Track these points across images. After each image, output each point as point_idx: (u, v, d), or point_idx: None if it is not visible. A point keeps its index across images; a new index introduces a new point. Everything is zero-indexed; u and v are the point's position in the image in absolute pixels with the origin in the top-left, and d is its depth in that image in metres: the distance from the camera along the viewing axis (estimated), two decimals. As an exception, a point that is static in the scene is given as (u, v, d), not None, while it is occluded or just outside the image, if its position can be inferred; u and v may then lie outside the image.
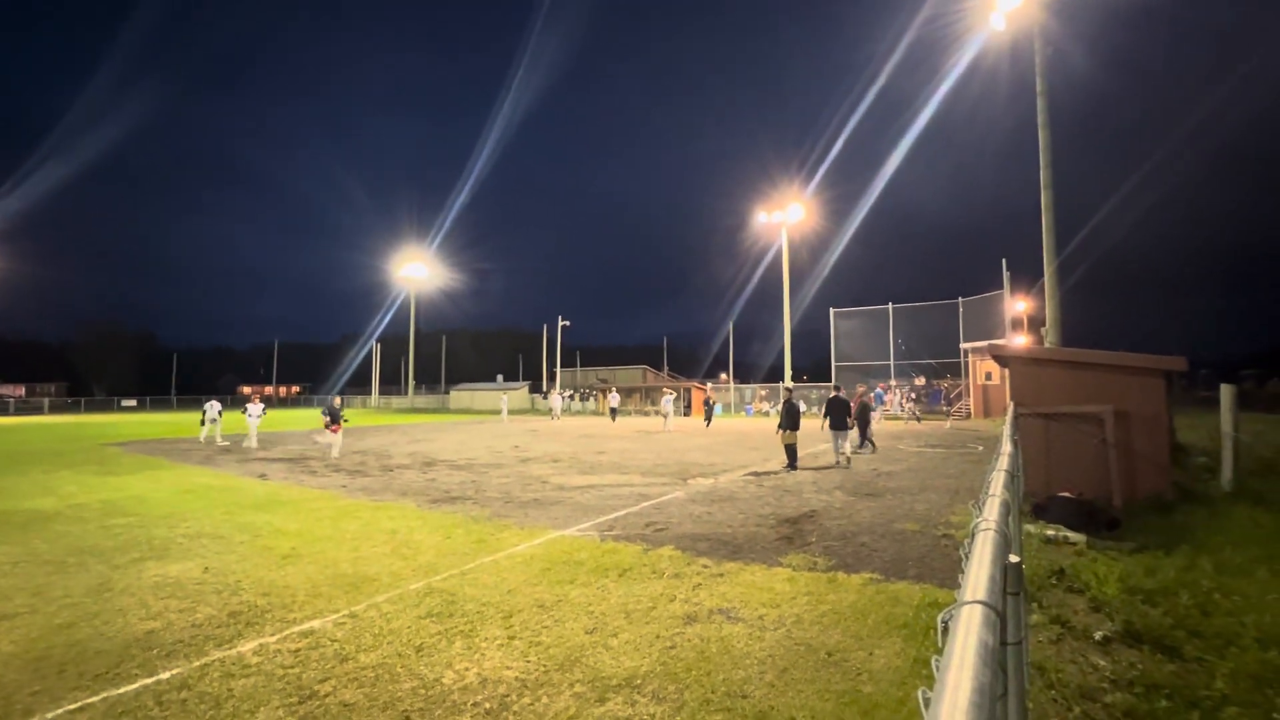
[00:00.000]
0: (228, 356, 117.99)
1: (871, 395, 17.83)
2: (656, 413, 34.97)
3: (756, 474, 11.55)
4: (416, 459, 14.76)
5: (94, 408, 60.31)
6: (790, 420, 12.42)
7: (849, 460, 12.99)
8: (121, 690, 3.43)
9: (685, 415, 36.24)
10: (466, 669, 3.64)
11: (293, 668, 3.67)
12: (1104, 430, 7.76)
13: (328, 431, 15.31)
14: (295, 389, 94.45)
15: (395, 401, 62.56)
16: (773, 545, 6.37)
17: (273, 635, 4.15)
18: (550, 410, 36.26)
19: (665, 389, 35.03)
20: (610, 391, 36.13)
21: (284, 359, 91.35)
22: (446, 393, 61.58)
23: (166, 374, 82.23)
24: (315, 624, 4.34)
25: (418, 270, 57.14)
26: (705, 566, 5.63)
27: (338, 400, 17.23)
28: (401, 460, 14.52)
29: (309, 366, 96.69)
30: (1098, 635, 3.95)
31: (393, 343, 76.41)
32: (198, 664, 3.73)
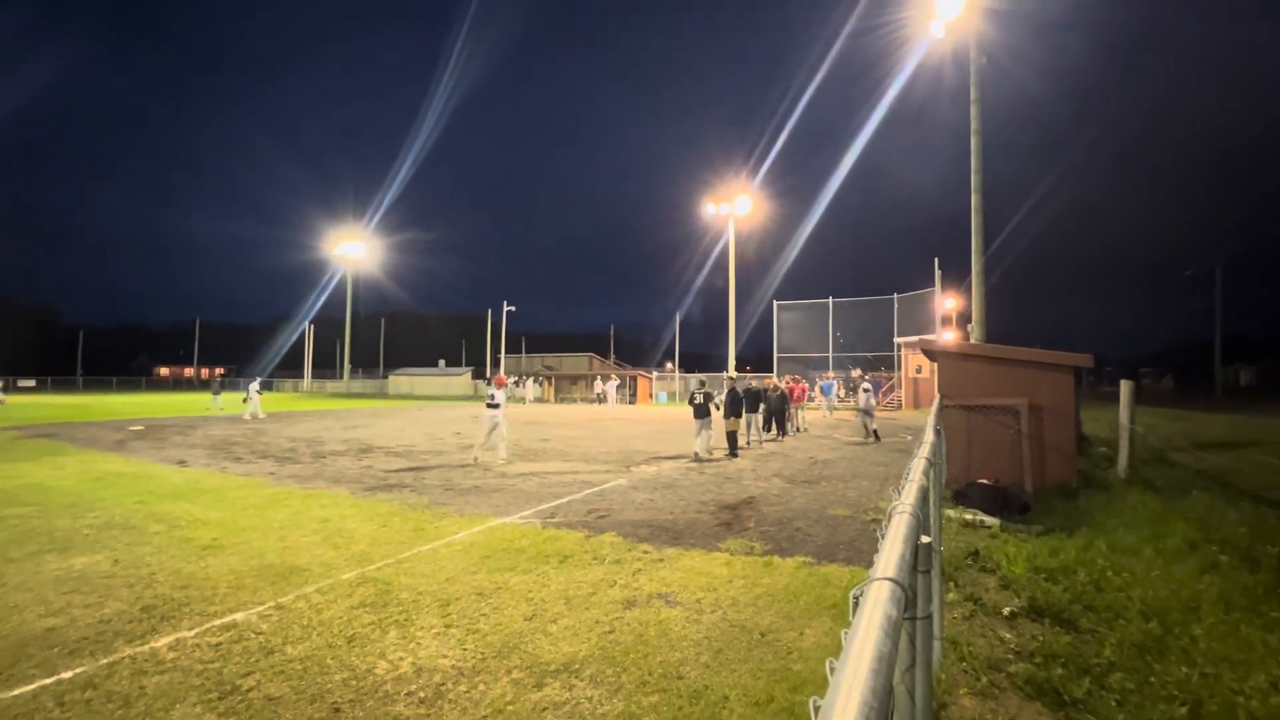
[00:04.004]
0: (142, 335, 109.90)
1: (791, 385, 18.24)
2: (601, 400, 35.26)
3: (699, 461, 11.76)
4: (352, 445, 14.24)
5: (-15, 388, 55.00)
6: (732, 409, 12.71)
7: (760, 442, 14.48)
8: (16, 692, 3.18)
9: (630, 403, 36.43)
10: (401, 659, 3.57)
11: (213, 662, 3.51)
12: (1019, 422, 8.32)
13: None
14: (220, 371, 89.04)
15: (330, 386, 60.00)
16: (712, 531, 6.53)
17: (191, 629, 3.95)
18: (523, 398, 36.41)
19: (612, 375, 35.32)
20: (608, 379, 35.96)
21: (207, 340, 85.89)
22: (385, 377, 59.54)
23: (70, 353, 75.90)
24: (238, 617, 4.16)
25: (355, 249, 54.77)
26: (646, 552, 5.71)
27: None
28: (335, 447, 13.97)
29: (235, 348, 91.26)
30: (1005, 611, 4.26)
31: (327, 324, 73.14)
32: (105, 662, 3.51)
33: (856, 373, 33.19)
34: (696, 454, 12.08)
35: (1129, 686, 3.19)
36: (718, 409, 13.32)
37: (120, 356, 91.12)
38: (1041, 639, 3.81)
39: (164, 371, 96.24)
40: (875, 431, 15.43)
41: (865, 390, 16.10)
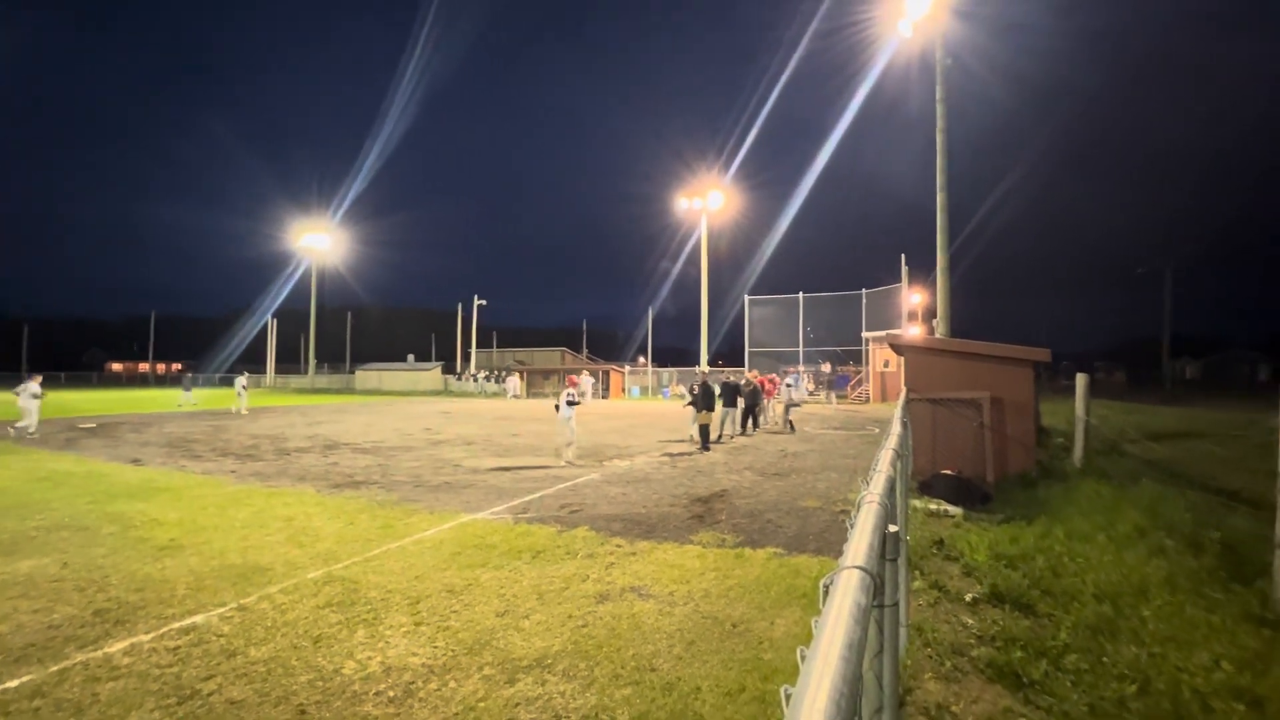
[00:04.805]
0: (93, 329, 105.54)
1: (761, 380, 18.53)
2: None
3: (671, 455, 11.82)
4: (317, 442, 13.91)
5: (-80, 385, 52.06)
6: (705, 402, 12.80)
7: (731, 436, 14.44)
8: (-42, 702, 3.03)
9: (603, 398, 36.38)
10: (369, 658, 3.51)
11: (171, 667, 3.39)
12: (982, 414, 8.56)
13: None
14: (177, 366, 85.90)
15: (294, 381, 58.40)
16: (684, 524, 6.57)
17: (147, 633, 3.81)
18: (505, 392, 37.08)
19: (584, 371, 35.25)
20: (582, 374, 35.64)
21: (163, 334, 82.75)
22: (352, 372, 58.24)
23: (14, 346, 72.30)
24: (198, 619, 4.03)
25: (320, 241, 53.36)
26: (619, 546, 5.72)
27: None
28: (300, 443, 13.63)
29: (192, 342, 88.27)
30: (968, 597, 4.39)
31: (291, 318, 71.14)
32: (55, 669, 3.36)
33: (825, 367, 33.76)
34: (691, 436, 13.49)
35: (1083, 667, 3.32)
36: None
37: (70, 351, 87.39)
38: (1002, 623, 3.94)
39: (117, 367, 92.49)
40: (790, 423, 16.40)
41: (788, 385, 17.48)
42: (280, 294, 65.23)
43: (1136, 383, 56.18)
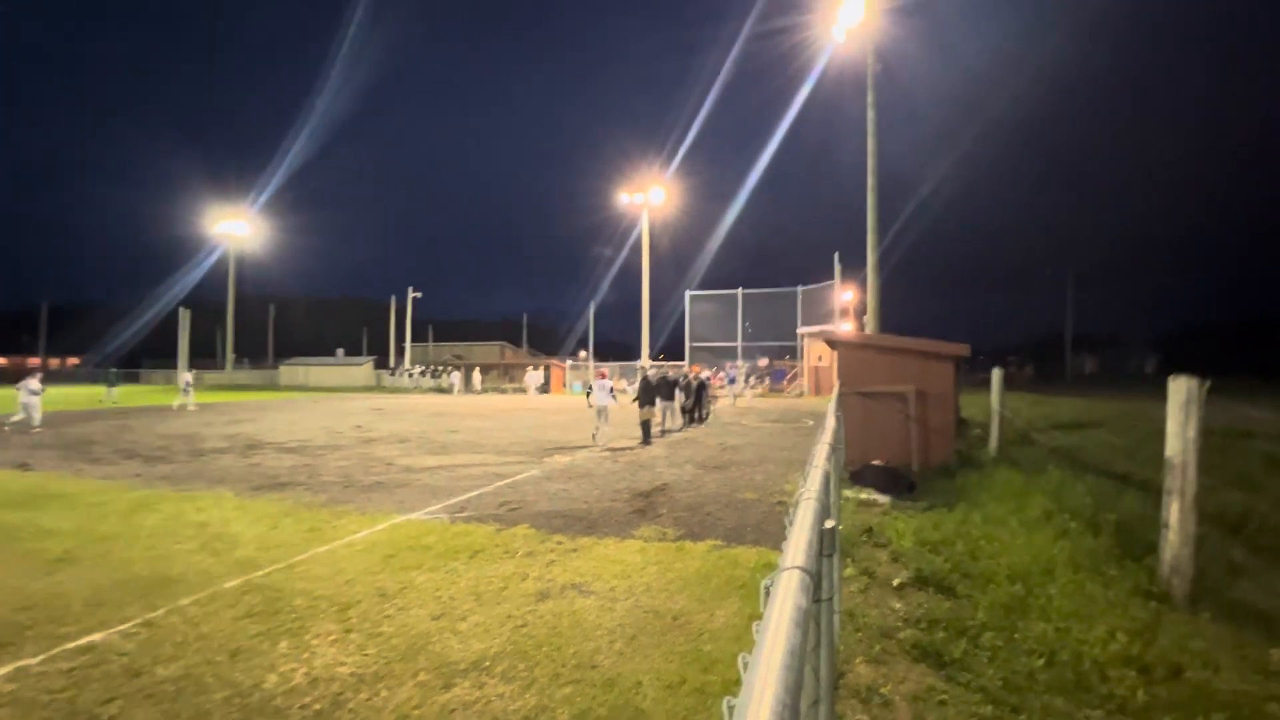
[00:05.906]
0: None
1: (715, 374, 19.19)
2: (516, 390, 34.65)
3: (612, 450, 11.81)
4: (236, 442, 13.07)
5: None
6: (646, 397, 12.87)
7: (664, 431, 14.62)
8: None
9: (544, 393, 35.95)
10: (293, 670, 3.32)
11: (64, 691, 3.10)
12: (908, 406, 9.00)
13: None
14: (73, 360, 78.58)
15: (210, 376, 54.56)
16: (626, 519, 6.58)
17: (36, 656, 3.46)
18: (452, 386, 36.26)
19: (531, 366, 34.82)
20: (532, 369, 34.55)
21: (56, 325, 75.50)
22: (275, 367, 55.04)
23: (-125, 339, 64.09)
24: (96, 637, 3.69)
25: (239, 227, 50.03)
26: (560, 543, 5.66)
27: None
28: (217, 444, 12.77)
29: (90, 334, 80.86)
30: (895, 582, 4.60)
31: (205, 309, 66.04)
32: (-78, 701, 3.01)
33: (764, 362, 34.65)
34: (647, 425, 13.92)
35: (998, 644, 3.54)
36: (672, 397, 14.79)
37: (-57, 344, 78.28)
38: (926, 606, 4.15)
39: (1, 361, 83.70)
40: (695, 413, 17.00)
41: (705, 379, 18.64)
42: (192, 282, 60.80)
43: (1043, 376, 60.69)
